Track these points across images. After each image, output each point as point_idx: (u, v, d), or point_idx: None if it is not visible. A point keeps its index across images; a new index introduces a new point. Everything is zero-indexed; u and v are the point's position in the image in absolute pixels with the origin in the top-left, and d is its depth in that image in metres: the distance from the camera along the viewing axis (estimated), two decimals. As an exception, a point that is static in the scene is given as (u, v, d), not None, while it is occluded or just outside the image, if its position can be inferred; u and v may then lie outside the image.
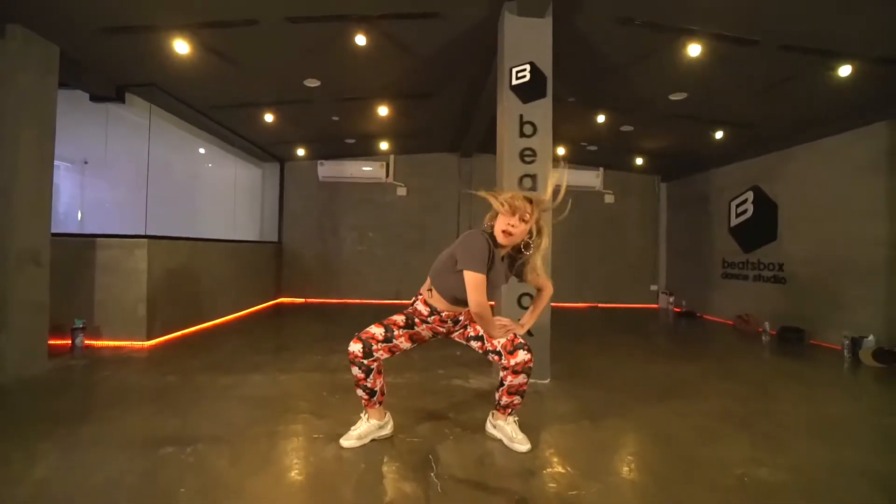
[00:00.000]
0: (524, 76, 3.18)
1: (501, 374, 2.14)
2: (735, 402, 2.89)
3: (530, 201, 1.91)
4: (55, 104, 3.31)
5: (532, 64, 3.18)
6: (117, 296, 4.05)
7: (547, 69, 3.19)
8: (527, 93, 3.18)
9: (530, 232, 1.92)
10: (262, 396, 2.78)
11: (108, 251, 4.07)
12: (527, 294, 3.17)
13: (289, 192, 7.67)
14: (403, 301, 7.35)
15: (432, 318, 2.08)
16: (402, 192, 7.66)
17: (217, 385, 2.97)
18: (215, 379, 3.09)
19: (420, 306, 2.09)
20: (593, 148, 6.76)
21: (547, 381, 3.16)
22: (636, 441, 2.28)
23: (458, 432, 2.26)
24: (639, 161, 7.22)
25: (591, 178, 7.74)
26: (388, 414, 2.23)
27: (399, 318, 2.12)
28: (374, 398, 2.13)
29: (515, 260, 2.03)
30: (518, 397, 2.16)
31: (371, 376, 2.07)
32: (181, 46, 3.43)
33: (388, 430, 2.20)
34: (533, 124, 3.17)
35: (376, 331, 2.07)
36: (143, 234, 4.21)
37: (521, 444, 2.09)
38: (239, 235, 6.75)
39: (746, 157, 6.04)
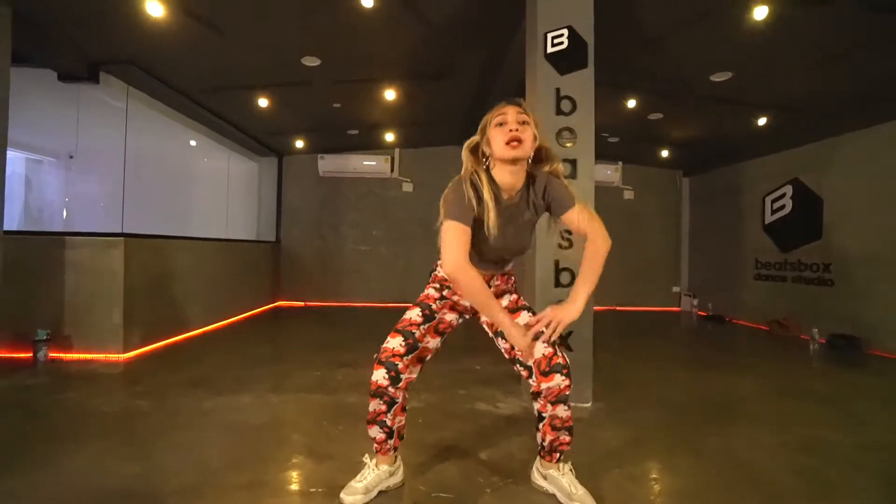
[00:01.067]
0: (561, 42, 2.68)
1: (536, 406, 1.63)
2: (823, 430, 2.38)
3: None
4: (7, 73, 2.81)
5: (571, 28, 2.68)
6: (89, 301, 3.56)
7: (588, 35, 2.70)
8: (565, 62, 2.68)
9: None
10: (249, 426, 2.28)
11: (79, 251, 3.57)
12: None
13: (287, 188, 7.17)
14: (410, 304, 6.85)
15: (447, 291, 1.66)
16: (408, 187, 7.15)
17: (196, 409, 2.47)
18: (195, 401, 2.59)
19: (431, 290, 1.70)
20: (614, 139, 6.26)
21: (588, 405, 2.66)
22: (727, 485, 1.76)
23: (497, 483, 1.75)
24: (663, 154, 6.72)
25: (609, 173, 7.23)
26: (398, 458, 1.74)
27: (414, 315, 1.65)
28: (391, 442, 1.64)
29: (539, 198, 1.57)
30: (565, 433, 1.64)
31: (393, 411, 1.60)
32: (154, 8, 2.92)
33: (398, 478, 1.71)
34: (572, 100, 2.68)
35: (394, 343, 1.58)
36: (119, 231, 3.71)
37: (586, 501, 1.56)
38: (233, 234, 6.26)
39: (785, 147, 5.52)
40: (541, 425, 1.65)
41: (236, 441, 2.10)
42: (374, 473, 1.63)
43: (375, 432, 1.64)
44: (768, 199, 5.87)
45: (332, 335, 4.77)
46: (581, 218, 1.54)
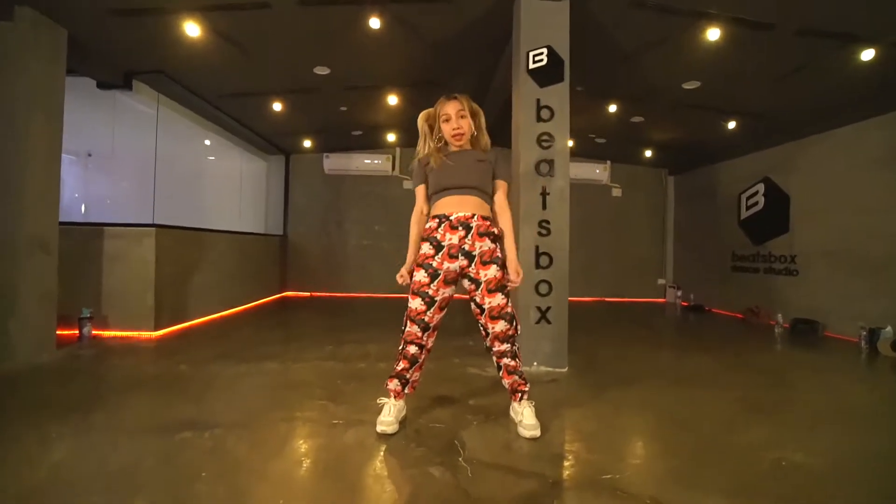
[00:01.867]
0: (541, 60, 3.12)
1: (493, 358, 2.09)
2: (754, 391, 2.84)
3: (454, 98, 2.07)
4: (63, 90, 3.25)
5: (549, 47, 3.12)
6: (125, 285, 4.00)
7: (564, 53, 3.14)
8: (544, 77, 3.12)
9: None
10: (277, 384, 2.73)
11: (116, 240, 4.02)
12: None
13: (294, 185, 7.61)
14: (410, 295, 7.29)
15: (440, 254, 1.98)
16: (408, 185, 7.59)
17: (230, 373, 2.92)
18: (227, 368, 3.04)
19: (425, 247, 2.02)
20: (601, 140, 6.70)
21: (565, 370, 3.11)
22: (660, 427, 2.22)
23: (482, 418, 2.20)
24: (647, 153, 7.16)
25: (597, 172, 7.68)
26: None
27: (420, 276, 1.99)
28: (406, 388, 2.10)
29: (488, 156, 2.07)
30: (517, 377, 2.05)
31: (413, 368, 2.07)
32: (191, 29, 3.36)
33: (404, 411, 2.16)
34: (550, 108, 3.12)
35: (414, 304, 2.00)
36: (150, 223, 4.15)
37: (527, 430, 1.97)
38: (245, 228, 6.69)
39: (757, 148, 5.97)
40: (500, 374, 2.10)
41: (269, 394, 2.55)
42: (396, 406, 2.06)
43: (394, 385, 2.07)
44: (743, 197, 6.32)
45: (337, 321, 5.22)
46: (501, 191, 2.07)
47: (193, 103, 4.89)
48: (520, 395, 2.09)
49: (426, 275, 1.98)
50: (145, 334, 3.96)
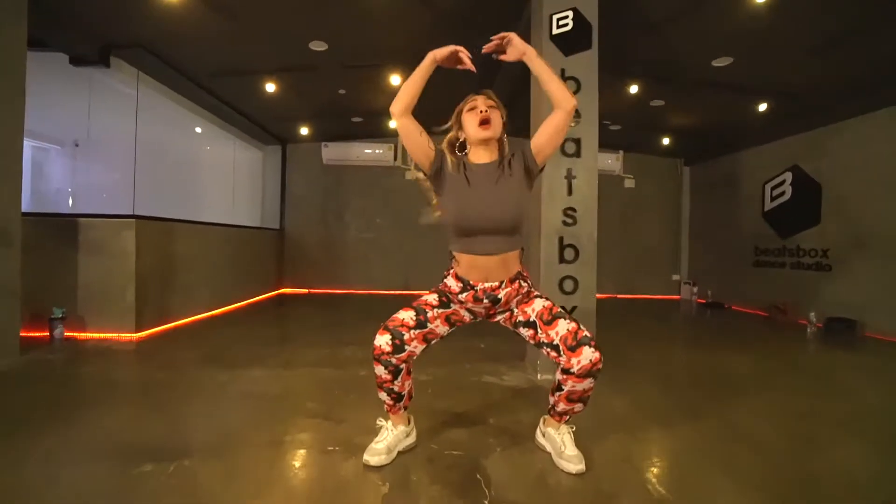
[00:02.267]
0: (566, 24, 2.73)
1: (559, 377, 1.65)
2: (816, 400, 2.47)
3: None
4: (24, 57, 2.87)
5: (575, 10, 2.74)
6: (103, 282, 3.63)
7: (593, 16, 2.76)
8: (569, 44, 2.74)
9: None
10: (265, 395, 2.37)
11: (93, 232, 3.65)
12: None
13: (291, 176, 7.23)
14: (413, 291, 6.94)
15: (465, 294, 1.65)
16: (411, 176, 7.21)
17: (213, 381, 2.56)
18: (211, 374, 2.68)
19: (451, 281, 1.67)
20: (616, 127, 6.30)
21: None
22: (726, 450, 1.85)
23: (506, 442, 1.84)
24: (664, 142, 6.77)
25: (610, 162, 7.29)
26: (411, 418, 1.82)
27: (431, 297, 1.70)
28: (401, 403, 1.72)
29: (516, 159, 1.66)
30: (580, 405, 1.68)
31: (399, 378, 1.66)
32: (168, -9, 2.98)
33: (413, 438, 1.79)
34: (577, 80, 2.74)
35: (405, 315, 1.65)
36: (131, 213, 3.78)
37: (571, 463, 1.62)
38: (238, 221, 6.32)
39: (785, 134, 5.58)
40: (558, 394, 1.68)
41: (254, 407, 2.19)
42: (393, 434, 1.71)
43: (384, 397, 1.71)
44: (768, 187, 5.93)
45: (336, 318, 4.86)
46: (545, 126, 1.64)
47: (180, 84, 4.50)
48: (567, 417, 1.72)
49: (437, 297, 1.71)
50: (125, 335, 3.60)
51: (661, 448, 1.87)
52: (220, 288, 5.08)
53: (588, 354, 1.56)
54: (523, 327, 1.69)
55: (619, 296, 7.44)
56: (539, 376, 2.71)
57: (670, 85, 4.75)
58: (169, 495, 1.41)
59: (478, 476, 1.56)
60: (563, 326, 1.60)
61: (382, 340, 1.61)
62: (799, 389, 2.68)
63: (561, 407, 1.69)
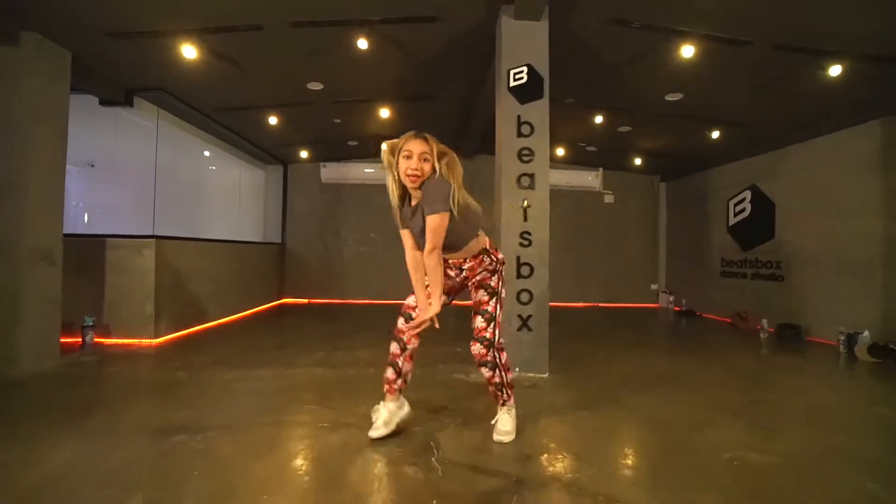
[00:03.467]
0: (521, 78, 3.26)
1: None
2: (730, 393, 2.96)
3: (423, 138, 1.91)
4: (67, 108, 3.41)
5: (529, 66, 3.27)
6: (126, 295, 4.14)
7: (544, 71, 3.28)
8: (524, 94, 3.26)
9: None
10: (268, 389, 2.86)
11: (118, 251, 4.17)
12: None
13: (292, 194, 7.77)
14: (407, 302, 7.42)
15: (447, 268, 2.12)
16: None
17: (224, 379, 3.05)
18: (222, 373, 3.17)
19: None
20: (592, 148, 6.85)
21: (545, 376, 3.23)
22: (632, 428, 2.35)
23: (459, 422, 2.33)
24: (637, 161, 7.30)
25: (590, 179, 7.83)
26: (402, 396, 2.24)
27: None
28: (398, 382, 2.14)
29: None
30: (495, 388, 2.14)
31: (404, 355, 2.13)
32: (188, 51, 3.53)
33: (406, 409, 2.19)
34: (530, 124, 3.26)
35: (410, 300, 2.17)
36: (151, 234, 4.30)
37: (501, 435, 2.10)
38: (243, 237, 6.84)
39: (744, 156, 6.11)
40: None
41: (259, 399, 2.68)
42: (387, 410, 2.15)
43: (389, 373, 2.13)
44: (731, 203, 6.44)
45: (332, 327, 5.35)
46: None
47: (193, 117, 5.06)
48: (500, 401, 2.20)
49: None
50: (146, 341, 4.10)
51: (578, 427, 2.35)
52: (226, 299, 5.58)
53: (476, 349, 2.09)
54: (478, 316, 2.15)
55: (601, 304, 7.92)
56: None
57: (632, 115, 5.29)
58: (198, 456, 1.90)
59: (431, 444, 2.05)
60: (479, 321, 2.10)
61: (399, 321, 2.13)
62: (716, 385, 3.16)
63: (491, 391, 2.20)
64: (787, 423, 2.44)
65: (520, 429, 2.19)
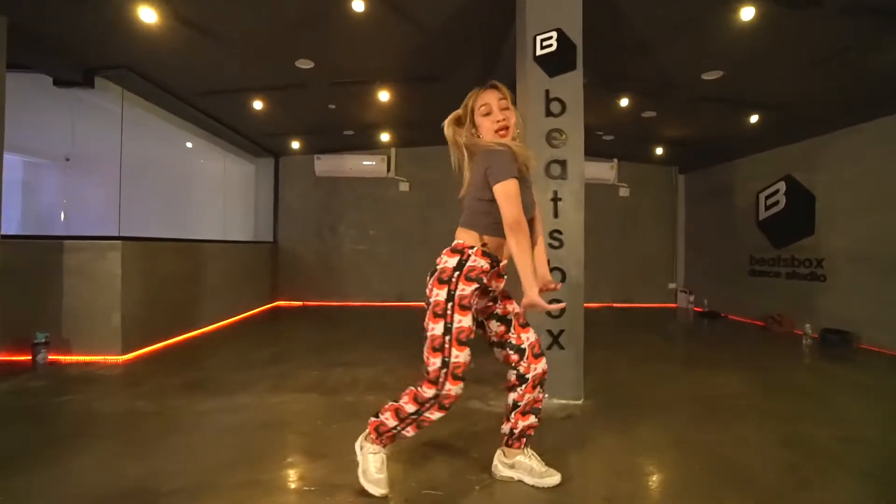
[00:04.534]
0: (550, 45, 2.71)
1: (510, 394, 1.74)
2: (809, 425, 2.43)
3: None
4: (3, 81, 2.85)
5: (560, 31, 2.71)
6: (88, 304, 3.60)
7: (577, 37, 2.73)
8: (554, 65, 2.71)
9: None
10: (246, 426, 2.33)
11: (78, 254, 3.62)
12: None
13: (284, 189, 7.21)
14: (408, 303, 6.90)
15: (492, 271, 1.60)
16: (404, 187, 7.19)
17: (194, 411, 2.52)
18: (193, 403, 2.64)
19: (479, 260, 1.57)
20: (609, 137, 6.29)
21: (580, 402, 2.70)
22: (712, 484, 1.81)
23: (486, 479, 1.80)
24: (658, 151, 6.75)
25: (605, 171, 7.26)
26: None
27: (466, 291, 1.54)
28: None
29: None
30: (533, 417, 1.73)
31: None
32: (147, 15, 2.94)
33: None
34: (561, 101, 2.71)
35: (459, 355, 1.56)
36: (116, 234, 3.75)
37: (553, 477, 1.72)
38: (230, 235, 6.29)
39: (778, 143, 5.56)
40: (513, 415, 1.73)
41: (234, 442, 2.15)
42: (374, 456, 1.66)
43: (408, 432, 1.66)
44: (762, 196, 5.91)
45: (329, 335, 4.82)
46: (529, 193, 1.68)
47: (168, 102, 4.48)
48: (525, 440, 1.78)
49: (473, 286, 1.58)
50: (111, 358, 3.56)
51: (638, 476, 1.83)
52: (211, 305, 5.04)
53: (544, 364, 1.72)
54: (496, 321, 1.73)
55: (615, 305, 7.40)
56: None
57: (661, 98, 4.74)
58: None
59: (451, 519, 1.52)
60: (533, 334, 1.74)
61: (457, 389, 1.57)
62: (788, 412, 2.64)
63: (520, 426, 1.73)
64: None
65: (566, 485, 1.67)
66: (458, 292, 1.54)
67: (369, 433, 1.69)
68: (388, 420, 1.64)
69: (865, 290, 4.51)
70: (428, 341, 1.57)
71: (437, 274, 1.58)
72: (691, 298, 7.20)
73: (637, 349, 4.28)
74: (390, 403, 1.66)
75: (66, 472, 1.83)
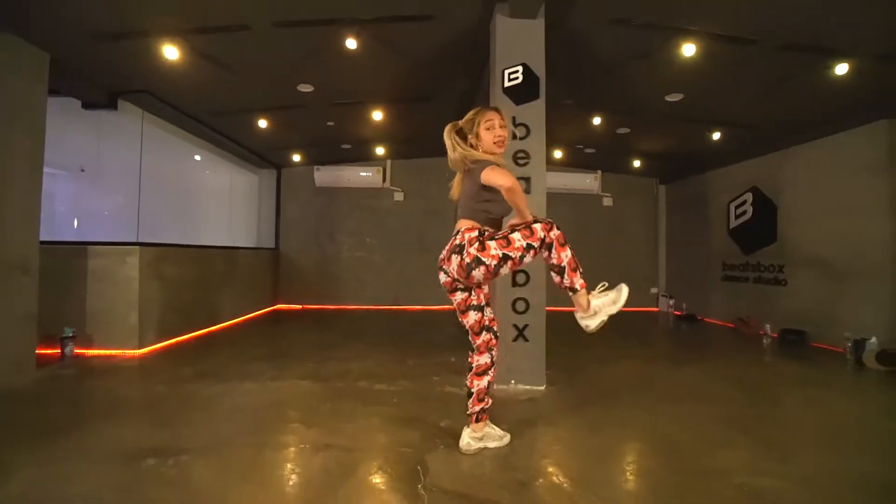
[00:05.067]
0: (517, 78, 3.14)
1: (484, 378, 2.16)
2: (737, 406, 2.82)
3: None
4: (45, 111, 3.28)
5: (524, 65, 3.14)
6: (109, 304, 4.00)
7: (540, 70, 3.16)
8: (520, 94, 3.14)
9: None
10: (252, 405, 2.72)
11: (100, 259, 4.03)
12: (521, 298, 3.10)
13: (286, 199, 7.63)
14: (403, 307, 7.30)
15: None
16: (398, 196, 7.62)
17: (206, 394, 2.91)
18: (205, 388, 3.03)
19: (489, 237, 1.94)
20: (591, 150, 6.72)
21: (542, 388, 3.09)
22: (636, 449, 2.22)
23: (451, 442, 2.19)
24: (637, 163, 7.18)
25: (589, 182, 7.69)
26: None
27: (520, 242, 1.89)
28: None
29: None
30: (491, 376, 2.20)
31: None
32: (171, 52, 3.40)
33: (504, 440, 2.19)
34: (526, 126, 3.13)
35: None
36: (135, 241, 4.16)
37: (506, 436, 2.19)
38: (235, 242, 6.71)
39: (745, 157, 5.98)
40: (486, 394, 2.15)
41: (241, 416, 2.54)
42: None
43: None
44: (732, 206, 6.32)
45: (325, 335, 5.20)
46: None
47: (181, 120, 4.93)
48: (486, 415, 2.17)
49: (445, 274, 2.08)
50: (129, 352, 3.96)
51: (577, 446, 2.22)
52: (216, 306, 5.44)
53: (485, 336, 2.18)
54: (473, 312, 2.16)
55: (599, 309, 7.76)
56: (494, 386, 3.06)
57: (632, 116, 5.17)
58: (168, 484, 1.76)
59: (418, 468, 1.91)
60: (489, 312, 2.23)
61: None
62: (725, 398, 3.03)
63: (489, 402, 2.18)
64: (799, 443, 2.30)
65: (515, 449, 2.06)
66: (494, 240, 1.90)
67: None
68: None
69: (819, 293, 4.91)
70: (518, 258, 1.90)
71: (469, 245, 1.91)
72: (671, 302, 7.58)
73: (609, 349, 4.64)
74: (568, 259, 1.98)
75: (102, 437, 2.23)
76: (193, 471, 1.86)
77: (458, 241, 1.96)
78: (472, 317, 2.10)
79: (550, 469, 1.95)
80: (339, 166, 7.41)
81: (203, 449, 2.07)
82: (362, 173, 7.41)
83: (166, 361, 3.78)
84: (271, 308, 7.22)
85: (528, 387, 3.08)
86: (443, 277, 2.06)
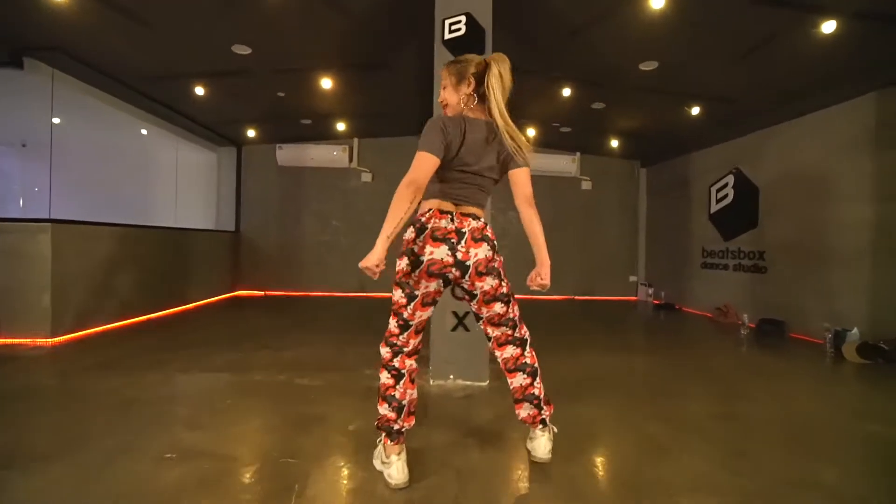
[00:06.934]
0: (459, 29, 2.74)
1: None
2: (700, 403, 2.51)
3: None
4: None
5: (468, 15, 2.74)
6: (17, 285, 3.60)
7: (486, 21, 2.76)
8: (461, 48, 2.74)
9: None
10: (143, 401, 2.35)
11: (7, 236, 3.61)
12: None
13: (247, 179, 7.19)
14: (368, 294, 6.93)
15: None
16: (366, 177, 7.21)
17: (98, 388, 2.54)
18: (101, 380, 2.66)
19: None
20: (567, 129, 6.34)
21: (484, 384, 2.75)
22: (574, 460, 1.84)
23: (350, 451, 1.84)
24: (615, 143, 6.80)
25: (566, 164, 7.31)
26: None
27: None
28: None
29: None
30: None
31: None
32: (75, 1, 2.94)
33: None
34: (469, 85, 2.74)
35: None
36: (46, 217, 3.74)
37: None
38: (186, 223, 6.27)
39: (727, 137, 5.64)
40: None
41: (121, 413, 2.17)
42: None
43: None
44: (713, 189, 5.99)
45: (273, 322, 4.83)
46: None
47: (109, 86, 4.46)
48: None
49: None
50: (40, 341, 3.57)
51: (507, 448, 1.88)
52: (160, 291, 5.04)
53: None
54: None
55: (577, 297, 7.46)
56: (431, 382, 2.71)
57: (605, 88, 4.79)
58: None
59: (296, 485, 1.55)
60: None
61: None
62: (688, 393, 2.71)
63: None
64: (761, 445, 1.98)
65: (436, 459, 1.71)
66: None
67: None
68: None
69: (798, 281, 4.60)
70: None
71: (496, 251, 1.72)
72: (650, 291, 7.28)
73: (575, 340, 4.33)
74: None
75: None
76: (15, 483, 1.50)
77: (487, 233, 1.69)
78: (427, 314, 1.68)
79: (464, 479, 1.60)
80: (303, 144, 6.96)
81: (46, 456, 1.71)
82: (327, 152, 6.98)
83: (77, 350, 3.39)
84: (230, 294, 6.83)
85: (467, 382, 2.73)
86: (441, 257, 1.60)
